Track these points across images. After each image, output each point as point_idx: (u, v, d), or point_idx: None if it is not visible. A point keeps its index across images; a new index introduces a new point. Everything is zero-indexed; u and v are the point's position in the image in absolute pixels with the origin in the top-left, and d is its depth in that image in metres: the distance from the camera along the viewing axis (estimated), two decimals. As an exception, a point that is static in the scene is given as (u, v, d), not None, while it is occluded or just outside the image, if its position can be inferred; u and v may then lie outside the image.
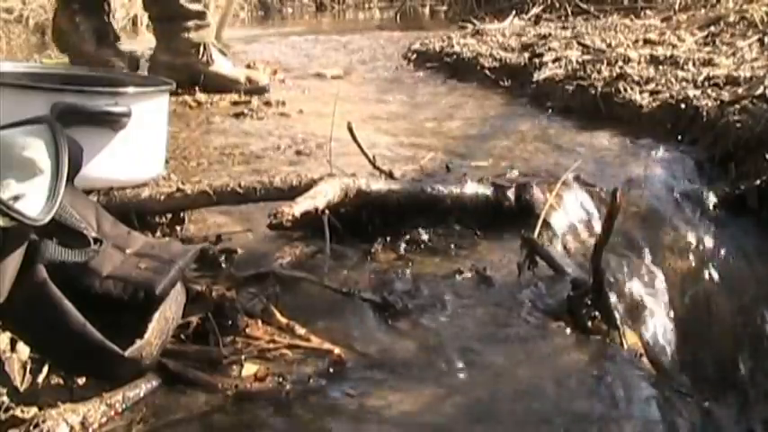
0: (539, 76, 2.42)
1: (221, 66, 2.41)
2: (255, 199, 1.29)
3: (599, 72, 2.22)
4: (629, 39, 2.78)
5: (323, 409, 0.83)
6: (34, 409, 0.80)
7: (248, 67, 2.79)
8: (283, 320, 1.00)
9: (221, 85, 2.38)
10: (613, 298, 1.11)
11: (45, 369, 0.87)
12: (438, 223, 1.31)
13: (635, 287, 1.31)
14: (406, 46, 3.43)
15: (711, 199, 1.51)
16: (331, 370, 0.90)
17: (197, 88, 2.34)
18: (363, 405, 0.84)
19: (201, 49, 2.36)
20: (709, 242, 1.42)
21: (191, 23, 2.33)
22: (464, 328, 1.01)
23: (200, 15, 2.35)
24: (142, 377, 0.86)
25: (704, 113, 1.77)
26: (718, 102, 1.79)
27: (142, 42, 3.14)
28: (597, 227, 1.36)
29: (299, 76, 2.86)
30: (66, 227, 0.86)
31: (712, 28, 2.90)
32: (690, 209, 1.49)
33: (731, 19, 2.98)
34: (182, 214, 1.32)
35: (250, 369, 0.90)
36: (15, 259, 0.77)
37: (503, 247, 1.26)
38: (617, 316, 1.06)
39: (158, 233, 1.28)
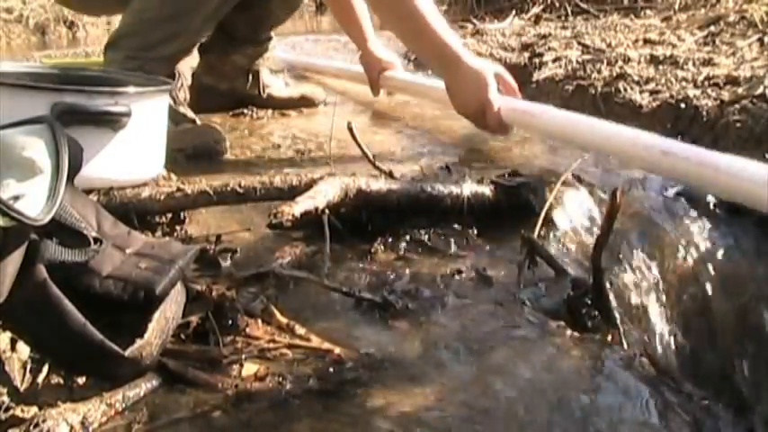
0: (539, 75, 2.43)
1: (272, 89, 2.25)
2: (255, 199, 1.29)
3: (599, 72, 2.22)
4: (629, 38, 2.78)
5: (323, 409, 0.83)
6: (34, 409, 0.80)
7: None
8: (283, 320, 1.00)
9: (275, 108, 2.24)
10: (613, 298, 1.11)
11: (45, 369, 0.87)
12: (438, 223, 1.31)
13: (635, 287, 1.31)
14: (406, 46, 3.42)
15: (711, 199, 1.51)
16: (331, 370, 0.90)
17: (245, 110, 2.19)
18: (363, 405, 0.84)
19: (250, 77, 2.18)
20: (709, 242, 1.42)
21: (248, 48, 2.14)
22: (464, 327, 1.01)
23: (258, 41, 2.15)
24: (142, 377, 0.86)
25: (704, 113, 1.77)
26: (718, 102, 1.79)
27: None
28: (597, 226, 1.36)
29: (297, 76, 2.86)
30: (67, 227, 0.86)
31: (712, 28, 2.90)
32: (689, 208, 1.49)
33: (731, 19, 2.97)
34: (182, 214, 1.32)
35: (250, 369, 0.90)
36: (15, 259, 0.77)
37: (503, 247, 1.26)
38: (617, 316, 1.06)
39: (158, 233, 1.29)
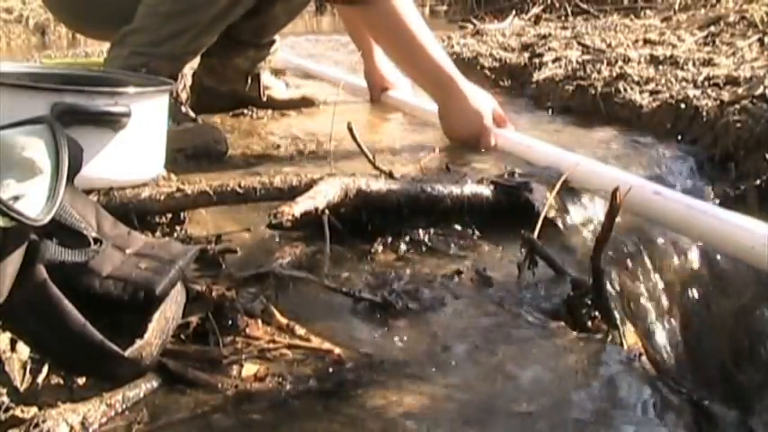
0: (539, 75, 2.42)
1: (273, 90, 2.26)
2: (255, 199, 1.28)
3: (599, 72, 2.22)
4: (629, 39, 2.78)
5: (323, 409, 0.83)
6: (34, 409, 0.80)
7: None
8: (283, 320, 1.00)
9: (275, 109, 2.24)
10: (613, 298, 1.11)
11: (45, 369, 0.87)
12: (438, 223, 1.31)
13: (635, 287, 1.31)
14: (405, 46, 3.42)
15: (711, 199, 1.51)
16: (331, 370, 0.90)
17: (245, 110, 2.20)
18: (363, 405, 0.84)
19: (250, 80, 2.18)
20: (709, 242, 1.42)
21: (250, 52, 2.14)
22: (464, 327, 1.01)
23: (260, 45, 2.14)
24: (142, 377, 0.86)
25: (704, 113, 1.77)
26: (718, 102, 1.79)
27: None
28: (597, 226, 1.36)
29: (299, 76, 2.87)
30: (67, 227, 0.86)
31: (712, 28, 2.90)
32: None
33: (731, 19, 2.98)
34: (182, 214, 1.32)
35: (250, 369, 0.90)
36: (15, 259, 0.77)
37: (503, 247, 1.26)
38: (617, 316, 1.06)
39: (158, 233, 1.28)
